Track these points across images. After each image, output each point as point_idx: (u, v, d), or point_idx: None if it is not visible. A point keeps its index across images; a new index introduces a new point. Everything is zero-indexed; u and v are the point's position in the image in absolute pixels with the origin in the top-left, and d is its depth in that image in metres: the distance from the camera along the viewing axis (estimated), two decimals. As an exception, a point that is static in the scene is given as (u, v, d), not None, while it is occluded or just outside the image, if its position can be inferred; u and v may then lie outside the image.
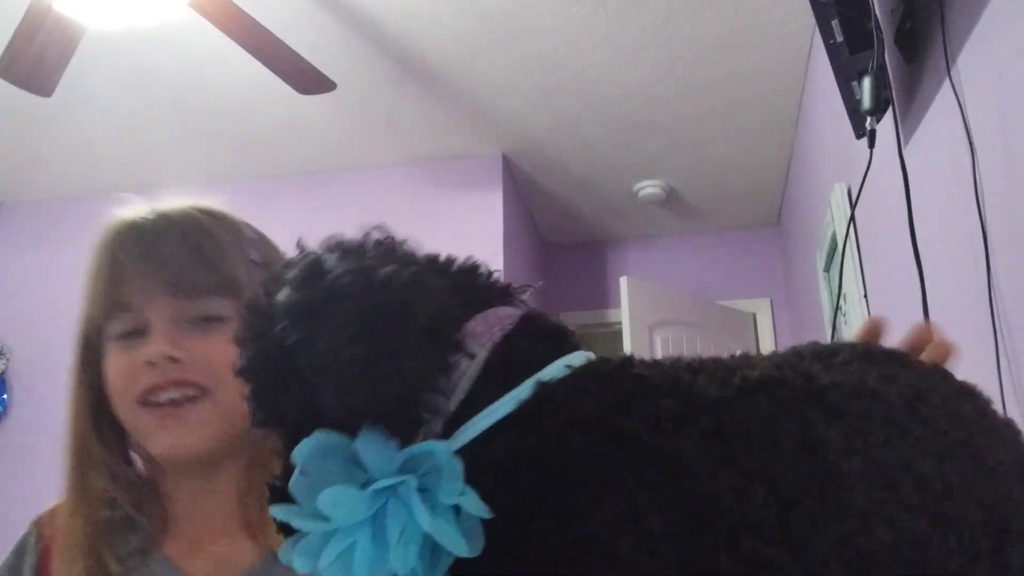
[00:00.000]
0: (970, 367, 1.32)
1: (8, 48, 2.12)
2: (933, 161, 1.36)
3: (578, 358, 0.40)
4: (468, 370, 0.38)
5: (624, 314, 3.31)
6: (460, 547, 0.34)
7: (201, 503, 0.74)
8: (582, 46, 2.64)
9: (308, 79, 2.35)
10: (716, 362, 0.40)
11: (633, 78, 2.81)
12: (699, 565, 0.33)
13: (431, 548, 0.35)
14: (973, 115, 1.16)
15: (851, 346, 0.43)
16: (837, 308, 2.25)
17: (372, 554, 0.35)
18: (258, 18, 2.14)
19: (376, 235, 0.42)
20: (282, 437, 0.40)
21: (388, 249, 0.41)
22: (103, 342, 0.72)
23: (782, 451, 0.35)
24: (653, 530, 0.34)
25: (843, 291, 2.17)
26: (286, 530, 0.38)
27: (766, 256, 4.02)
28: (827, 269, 2.55)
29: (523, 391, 0.37)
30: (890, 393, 0.38)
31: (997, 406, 1.03)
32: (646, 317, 3.38)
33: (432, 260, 0.42)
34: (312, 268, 0.38)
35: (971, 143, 1.16)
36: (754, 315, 3.93)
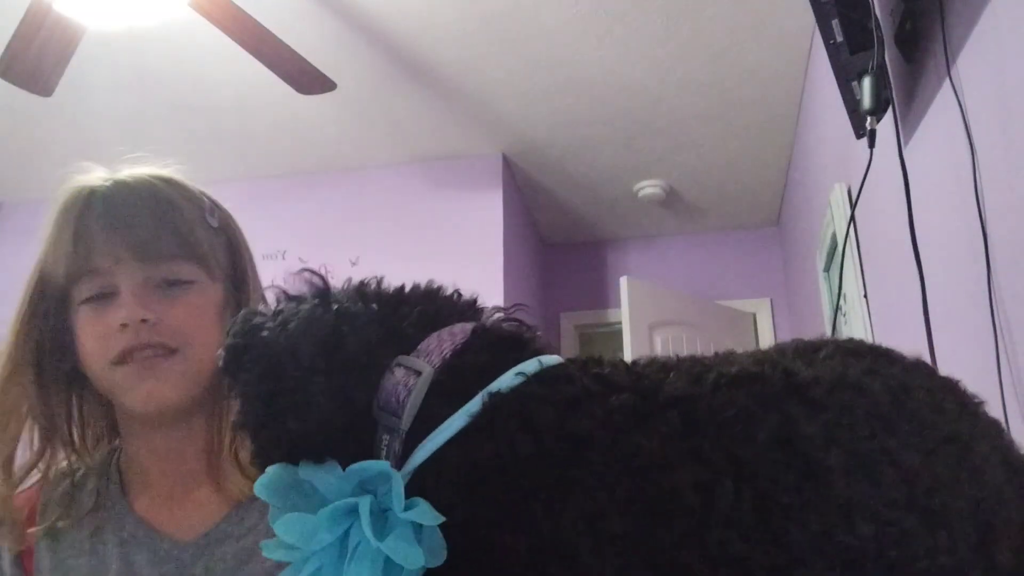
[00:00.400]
0: (970, 367, 1.32)
1: (8, 48, 2.12)
2: (933, 161, 1.36)
3: (532, 365, 0.40)
4: (415, 388, 0.39)
5: (624, 314, 3.31)
6: (415, 560, 0.35)
7: (171, 458, 0.76)
8: (582, 46, 2.64)
9: (308, 79, 2.35)
10: (694, 360, 0.41)
11: (633, 78, 2.81)
12: (663, 563, 0.33)
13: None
14: (973, 115, 1.16)
15: (835, 342, 0.43)
16: (837, 308, 2.25)
17: (335, 574, 0.36)
18: (258, 18, 2.14)
19: (315, 280, 0.44)
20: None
21: (321, 293, 0.43)
22: (69, 304, 0.74)
23: (757, 445, 0.35)
24: (614, 530, 0.34)
25: (843, 291, 2.17)
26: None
27: (766, 256, 4.02)
28: (827, 269, 2.55)
29: (474, 404, 0.38)
30: (874, 387, 0.38)
31: (997, 406, 1.04)
32: (646, 317, 3.38)
33: (368, 294, 0.44)
34: (243, 320, 0.41)
35: (971, 143, 1.16)
36: (754, 315, 3.93)
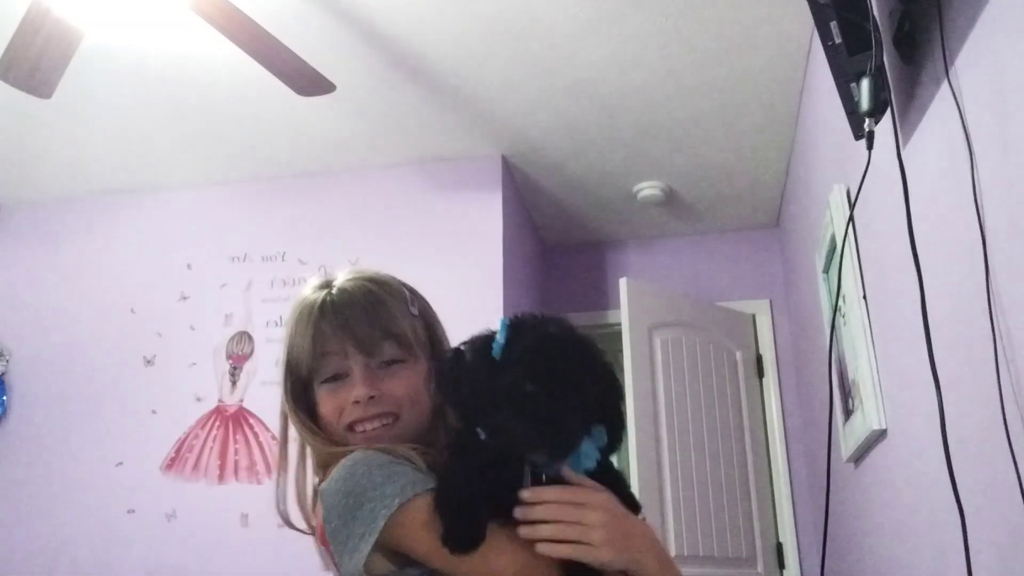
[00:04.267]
0: (969, 367, 1.32)
1: (8, 50, 2.12)
2: (931, 162, 1.36)
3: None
4: None
5: (624, 315, 3.31)
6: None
7: None
8: (582, 47, 2.64)
9: (307, 81, 2.35)
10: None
11: (633, 79, 2.82)
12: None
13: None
14: (971, 116, 1.16)
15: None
16: (836, 309, 2.25)
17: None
18: (257, 20, 2.15)
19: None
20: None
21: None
22: (313, 383, 1.02)
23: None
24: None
25: (842, 292, 2.17)
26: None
27: (765, 257, 4.02)
28: (826, 270, 2.55)
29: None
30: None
31: (995, 406, 1.04)
32: (646, 318, 3.38)
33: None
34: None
35: (969, 144, 1.16)
36: (754, 316, 3.93)
